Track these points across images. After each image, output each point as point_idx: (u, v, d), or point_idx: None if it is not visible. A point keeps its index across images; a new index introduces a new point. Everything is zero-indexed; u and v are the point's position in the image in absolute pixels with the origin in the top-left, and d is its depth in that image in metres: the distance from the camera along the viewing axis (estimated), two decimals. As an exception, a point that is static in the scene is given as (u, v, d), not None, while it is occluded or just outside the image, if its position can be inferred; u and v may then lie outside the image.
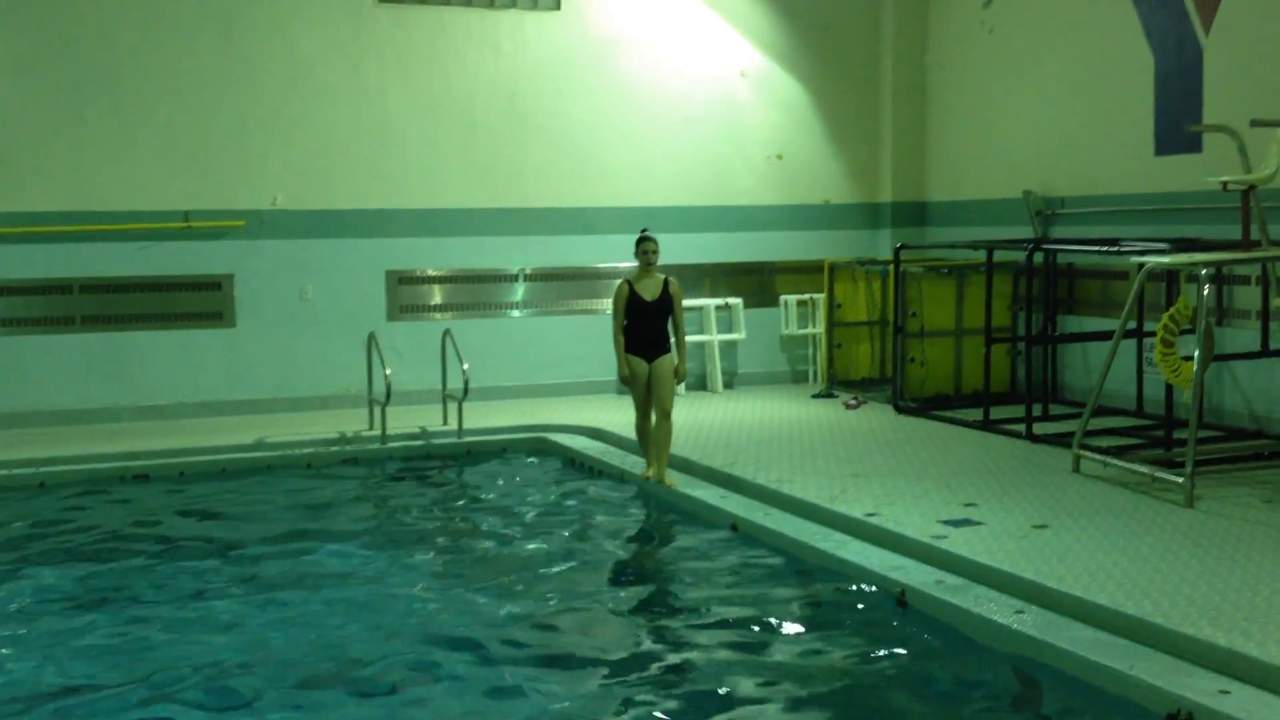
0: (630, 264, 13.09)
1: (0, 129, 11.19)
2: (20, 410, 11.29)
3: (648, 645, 6.11)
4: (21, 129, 11.29)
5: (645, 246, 9.01)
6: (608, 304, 13.04)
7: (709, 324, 13.29)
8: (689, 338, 13.07)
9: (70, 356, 11.48)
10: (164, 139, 11.66)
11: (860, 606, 6.60)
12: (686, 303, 13.11)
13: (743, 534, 7.92)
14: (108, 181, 11.52)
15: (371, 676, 5.76)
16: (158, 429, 11.17)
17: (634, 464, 9.73)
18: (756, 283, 13.60)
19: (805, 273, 13.56)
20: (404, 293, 12.52)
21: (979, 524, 7.35)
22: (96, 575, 7.35)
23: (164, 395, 11.72)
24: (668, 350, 9.03)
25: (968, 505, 7.80)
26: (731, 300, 13.42)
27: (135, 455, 10.13)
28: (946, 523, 7.36)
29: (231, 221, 11.84)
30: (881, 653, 6.01)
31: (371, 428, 10.95)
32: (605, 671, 5.78)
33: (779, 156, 13.59)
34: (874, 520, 7.46)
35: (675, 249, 13.25)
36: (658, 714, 5.28)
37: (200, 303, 11.88)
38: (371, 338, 11.13)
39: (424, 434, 10.90)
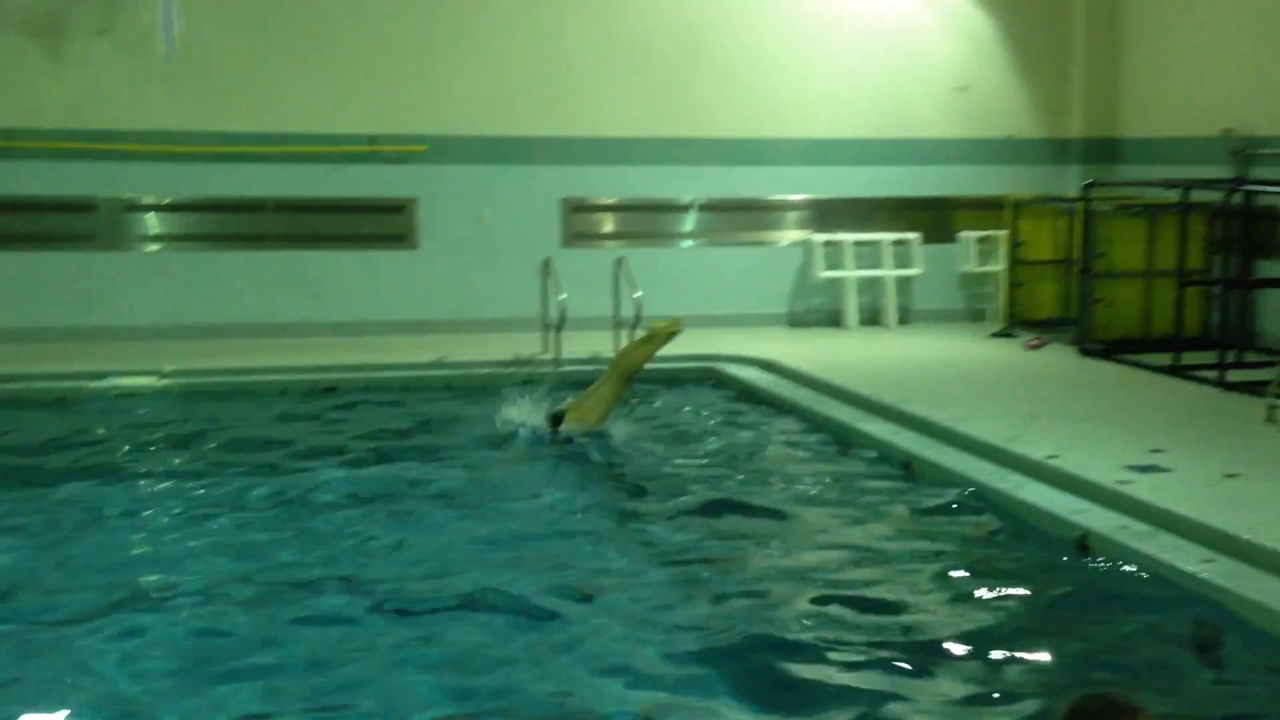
0: (802, 196, 13.03)
1: (201, 51, 11.60)
2: (219, 322, 11.83)
3: (810, 583, 6.08)
4: (220, 51, 11.72)
5: None
6: (780, 236, 13.02)
7: (884, 259, 13.07)
8: (864, 272, 12.94)
9: (264, 272, 11.98)
10: (351, 63, 11.97)
11: (1038, 549, 6.48)
12: (861, 236, 12.97)
13: (916, 471, 7.83)
14: (298, 103, 11.90)
15: (524, 596, 5.82)
16: (344, 345, 11.58)
17: (804, 396, 9.70)
18: (935, 218, 13.30)
19: (986, 209, 13.19)
20: (577, 220, 12.64)
21: (1166, 471, 7.11)
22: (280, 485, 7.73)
23: (350, 313, 12.12)
24: None
25: (1154, 451, 7.54)
26: (908, 235, 13.17)
27: (325, 369, 10.56)
28: (1132, 468, 7.14)
29: (414, 146, 12.12)
30: (1061, 596, 5.90)
31: (545, 351, 11.14)
32: (761, 604, 5.78)
33: (964, 88, 13.20)
34: (1055, 463, 7.28)
35: (850, 182, 13.07)
36: (832, 654, 5.24)
37: (385, 225, 12.23)
38: (547, 264, 11.29)
39: (595, 359, 11.00)
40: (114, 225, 11.79)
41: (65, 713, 4.64)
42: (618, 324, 11.33)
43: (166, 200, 11.88)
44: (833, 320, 13.00)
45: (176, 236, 11.95)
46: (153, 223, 11.91)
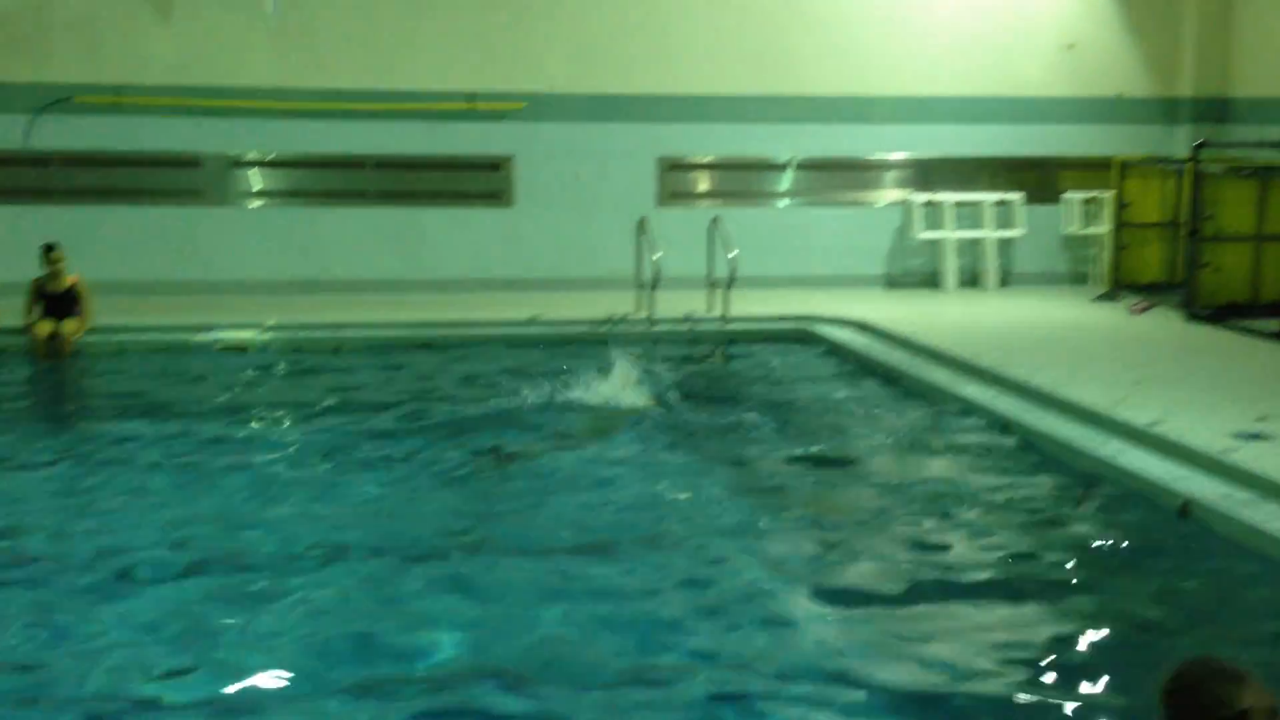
0: (902, 155, 12.83)
1: (304, 9, 11.76)
2: (319, 277, 12.03)
3: (907, 549, 6.03)
4: (323, 9, 11.85)
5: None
6: (878, 195, 12.84)
7: (986, 220, 12.83)
8: (964, 233, 12.71)
9: (363, 229, 12.14)
10: (452, 21, 12.03)
11: (1139, 515, 6.36)
12: (961, 196, 12.74)
13: (1016, 436, 7.71)
14: (399, 61, 12.00)
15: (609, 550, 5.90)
16: (441, 301, 11.70)
17: (900, 359, 9.59)
18: (1039, 178, 13.01)
19: (1091, 169, 12.86)
20: (673, 179, 12.60)
21: (1272, 439, 6.92)
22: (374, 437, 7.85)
23: (446, 270, 12.24)
24: None
25: (1261, 419, 7.34)
26: (1010, 196, 12.90)
27: (421, 325, 10.70)
28: (1237, 435, 6.96)
29: (513, 103, 12.15)
30: (1161, 563, 5.80)
31: (639, 311, 11.15)
32: (859, 570, 5.76)
33: (1071, 45, 12.85)
34: (1158, 429, 7.12)
35: (952, 141, 12.83)
36: (931, 616, 5.22)
37: (482, 182, 12.31)
38: (642, 223, 11.27)
39: (689, 319, 11.01)
40: (219, 181, 12.04)
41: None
42: (712, 284, 11.29)
43: (270, 156, 12.09)
44: (931, 282, 12.82)
45: (278, 192, 12.17)
46: (255, 179, 12.13)
